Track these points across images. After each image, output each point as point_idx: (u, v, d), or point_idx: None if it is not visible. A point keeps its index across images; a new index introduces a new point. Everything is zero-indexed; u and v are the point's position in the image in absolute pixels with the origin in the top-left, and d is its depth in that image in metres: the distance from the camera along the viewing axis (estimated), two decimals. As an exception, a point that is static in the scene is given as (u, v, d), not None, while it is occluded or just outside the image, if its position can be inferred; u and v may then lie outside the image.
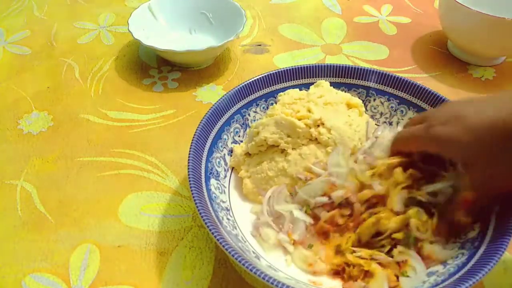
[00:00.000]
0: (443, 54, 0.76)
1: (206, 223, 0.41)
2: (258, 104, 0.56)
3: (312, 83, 0.55)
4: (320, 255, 0.44)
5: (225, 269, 0.46)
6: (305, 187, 0.47)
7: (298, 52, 0.76)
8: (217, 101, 0.53)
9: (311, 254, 0.45)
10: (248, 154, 0.52)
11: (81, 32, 0.80)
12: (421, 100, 0.54)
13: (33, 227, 0.50)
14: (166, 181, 0.55)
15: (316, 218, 0.46)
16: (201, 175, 0.46)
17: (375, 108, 0.57)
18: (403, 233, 0.42)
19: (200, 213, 0.42)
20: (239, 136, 0.54)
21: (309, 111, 0.50)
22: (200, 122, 0.50)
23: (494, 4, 0.71)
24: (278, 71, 0.56)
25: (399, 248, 0.42)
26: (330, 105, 0.51)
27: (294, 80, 0.57)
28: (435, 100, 0.53)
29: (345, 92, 0.56)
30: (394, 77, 0.56)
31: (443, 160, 0.43)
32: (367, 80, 0.57)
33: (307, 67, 0.57)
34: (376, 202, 0.45)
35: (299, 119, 0.49)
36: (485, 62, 0.73)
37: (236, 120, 0.54)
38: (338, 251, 0.44)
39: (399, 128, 0.51)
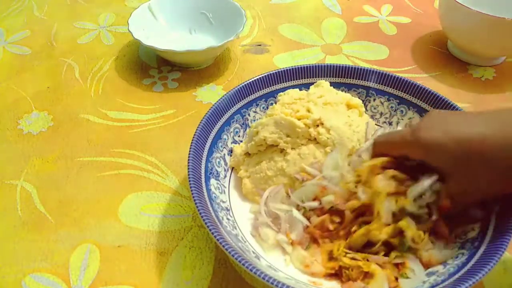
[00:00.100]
0: (443, 54, 0.76)
1: (206, 223, 0.41)
2: (258, 104, 0.56)
3: (312, 83, 0.55)
4: (316, 257, 0.44)
5: (225, 269, 0.46)
6: (297, 191, 0.47)
7: (298, 52, 0.76)
8: (217, 101, 0.53)
9: (309, 255, 0.45)
10: (247, 154, 0.52)
11: (81, 32, 0.80)
12: (421, 100, 0.54)
13: (33, 227, 0.50)
14: (166, 181, 0.55)
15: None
16: (201, 175, 0.46)
17: (375, 108, 0.57)
18: (398, 239, 0.42)
19: (200, 213, 0.42)
20: (239, 136, 0.54)
21: (308, 111, 0.50)
22: (200, 122, 0.50)
23: (494, 4, 0.71)
24: (278, 71, 0.56)
25: (395, 252, 0.42)
26: (330, 105, 0.51)
27: (294, 80, 0.57)
28: (435, 100, 0.53)
29: (345, 92, 0.56)
30: (394, 77, 0.56)
31: (421, 167, 0.42)
32: (367, 80, 0.57)
33: (307, 67, 0.57)
34: (365, 210, 0.44)
35: (299, 119, 0.49)
36: (485, 62, 0.73)
37: (236, 120, 0.54)
38: (331, 257, 0.44)
39: (399, 128, 0.51)
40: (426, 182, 0.41)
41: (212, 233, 0.40)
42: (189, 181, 0.45)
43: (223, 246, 0.39)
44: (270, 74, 0.56)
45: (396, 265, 0.42)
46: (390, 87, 0.56)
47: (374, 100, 0.57)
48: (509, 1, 0.72)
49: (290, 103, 0.51)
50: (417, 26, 0.82)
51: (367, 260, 0.42)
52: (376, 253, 0.42)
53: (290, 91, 0.54)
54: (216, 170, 0.50)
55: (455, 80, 0.70)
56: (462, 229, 0.44)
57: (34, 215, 0.51)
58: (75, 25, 0.82)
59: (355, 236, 0.43)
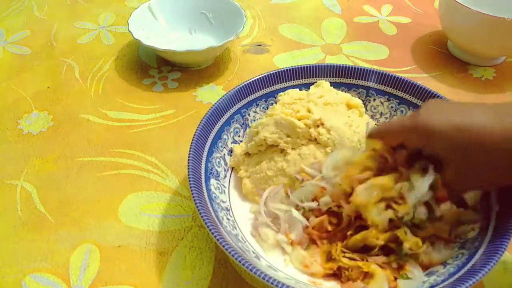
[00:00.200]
0: (443, 54, 0.76)
1: (206, 223, 0.41)
2: (258, 104, 0.56)
3: (312, 83, 0.55)
4: (316, 257, 0.44)
5: (225, 269, 0.46)
6: (296, 191, 0.47)
7: (298, 52, 0.76)
8: (217, 101, 0.53)
9: (308, 255, 0.45)
10: (247, 154, 0.52)
11: (81, 32, 0.80)
12: (421, 100, 0.54)
13: (33, 227, 0.50)
14: (166, 181, 0.55)
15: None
16: (201, 175, 0.46)
17: (375, 108, 0.57)
18: (396, 245, 0.42)
19: (200, 213, 0.42)
20: (239, 136, 0.54)
21: (309, 111, 0.50)
22: (200, 122, 0.50)
23: (494, 4, 0.71)
24: (278, 71, 0.56)
25: (394, 256, 0.42)
26: (330, 106, 0.51)
27: (294, 80, 0.57)
28: (435, 100, 0.53)
29: (345, 92, 0.56)
30: (394, 77, 0.56)
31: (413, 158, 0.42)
32: (367, 80, 0.57)
33: (307, 67, 0.57)
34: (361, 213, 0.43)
35: (299, 119, 0.49)
36: (485, 62, 0.72)
37: (236, 120, 0.54)
38: (330, 257, 0.44)
39: None
40: (423, 186, 0.40)
41: (212, 233, 0.40)
42: (189, 181, 0.45)
43: (223, 246, 0.39)
44: (270, 74, 0.56)
45: (396, 265, 0.42)
46: (390, 87, 0.56)
47: (374, 100, 0.57)
48: (509, 1, 0.72)
49: (290, 103, 0.51)
50: (417, 26, 0.82)
51: (367, 260, 0.42)
52: (376, 255, 0.42)
53: (290, 91, 0.54)
54: (216, 170, 0.50)
55: (455, 80, 0.70)
56: (462, 229, 0.44)
57: (34, 215, 0.51)
58: (75, 25, 0.82)
59: (352, 240, 0.43)
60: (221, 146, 0.52)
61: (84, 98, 0.66)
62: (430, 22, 0.82)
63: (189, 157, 0.47)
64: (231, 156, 0.53)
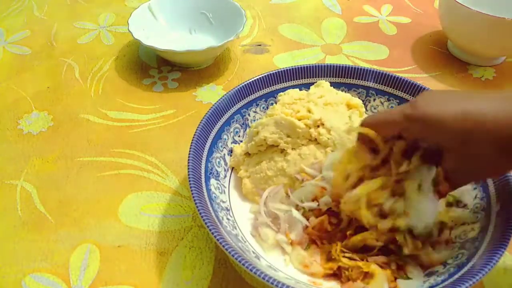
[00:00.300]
0: (443, 54, 0.76)
1: (206, 223, 0.41)
2: (258, 104, 0.56)
3: (312, 83, 0.55)
4: (316, 257, 0.44)
5: (225, 269, 0.46)
6: (296, 191, 0.47)
7: (298, 52, 0.76)
8: (217, 101, 0.53)
9: (308, 255, 0.45)
10: (247, 154, 0.52)
11: (81, 32, 0.80)
12: (421, 100, 0.54)
13: (33, 227, 0.50)
14: (166, 181, 0.55)
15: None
16: (201, 175, 0.46)
17: (375, 108, 0.57)
18: (395, 246, 0.42)
19: (200, 213, 0.42)
20: (239, 136, 0.54)
21: (309, 111, 0.50)
22: (200, 122, 0.50)
23: (494, 4, 0.71)
24: (278, 71, 0.56)
25: (394, 256, 0.42)
26: (330, 106, 0.51)
27: (294, 80, 0.57)
28: (435, 100, 0.53)
29: (345, 92, 0.56)
30: (394, 77, 0.56)
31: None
32: (367, 80, 0.57)
33: (307, 67, 0.57)
34: None
35: (299, 119, 0.49)
36: (485, 62, 0.73)
37: (236, 120, 0.54)
38: (330, 257, 0.44)
39: None
40: (429, 213, 0.39)
41: (212, 233, 0.40)
42: (189, 181, 0.45)
43: (223, 246, 0.39)
44: (270, 74, 0.56)
45: (395, 265, 0.42)
46: (390, 87, 0.56)
47: (374, 100, 0.57)
48: (509, 1, 0.72)
49: (290, 103, 0.51)
50: (417, 26, 0.82)
51: (367, 260, 0.42)
52: (376, 255, 0.42)
53: (290, 91, 0.54)
54: (216, 170, 0.50)
55: (455, 80, 0.70)
56: (462, 229, 0.44)
57: (34, 215, 0.51)
58: (75, 25, 0.82)
59: (352, 240, 0.43)
60: (221, 146, 0.52)
61: (84, 98, 0.66)
62: (430, 22, 0.82)
63: (189, 157, 0.47)
64: (231, 156, 0.53)
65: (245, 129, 0.55)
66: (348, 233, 0.43)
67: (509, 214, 0.41)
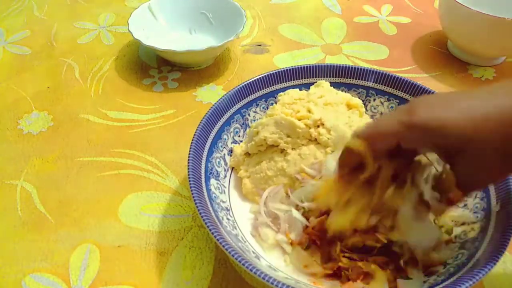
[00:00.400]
0: (443, 54, 0.76)
1: (206, 223, 0.41)
2: (258, 104, 0.56)
3: (312, 83, 0.55)
4: (316, 257, 0.44)
5: (225, 269, 0.46)
6: (296, 191, 0.47)
7: (298, 52, 0.76)
8: (217, 101, 0.53)
9: (308, 255, 0.44)
10: (247, 154, 0.52)
11: (81, 32, 0.80)
12: (421, 100, 0.54)
13: (33, 227, 0.50)
14: (166, 181, 0.55)
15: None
16: (201, 175, 0.46)
17: (375, 108, 0.57)
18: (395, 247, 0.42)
19: (200, 213, 0.42)
20: (239, 136, 0.54)
21: (309, 111, 0.50)
22: (200, 122, 0.50)
23: (494, 4, 0.71)
24: (278, 71, 0.56)
25: (393, 256, 0.42)
26: (330, 106, 0.51)
27: (294, 80, 0.57)
28: (435, 100, 0.53)
29: (345, 92, 0.56)
30: (394, 77, 0.56)
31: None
32: (367, 80, 0.57)
33: (307, 67, 0.57)
34: None
35: (299, 119, 0.49)
36: (485, 62, 0.72)
37: (236, 120, 0.54)
38: (329, 258, 0.44)
39: None
40: (430, 239, 0.39)
41: (212, 233, 0.40)
42: (189, 181, 0.45)
43: (223, 246, 0.39)
44: (270, 74, 0.56)
45: (395, 265, 0.42)
46: (390, 87, 0.56)
47: (374, 100, 0.57)
48: (509, 1, 0.72)
49: (290, 103, 0.51)
50: (417, 26, 0.82)
51: (367, 260, 0.42)
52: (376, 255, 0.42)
53: (290, 91, 0.54)
54: (216, 170, 0.50)
55: (455, 80, 0.70)
56: (462, 229, 0.44)
57: (34, 215, 0.51)
58: (75, 25, 0.82)
59: (351, 240, 0.43)
60: (221, 146, 0.52)
61: (84, 98, 0.66)
62: (430, 22, 0.82)
63: (189, 157, 0.47)
64: (231, 156, 0.53)
65: (245, 129, 0.55)
66: (348, 233, 0.43)
67: (509, 214, 0.41)
